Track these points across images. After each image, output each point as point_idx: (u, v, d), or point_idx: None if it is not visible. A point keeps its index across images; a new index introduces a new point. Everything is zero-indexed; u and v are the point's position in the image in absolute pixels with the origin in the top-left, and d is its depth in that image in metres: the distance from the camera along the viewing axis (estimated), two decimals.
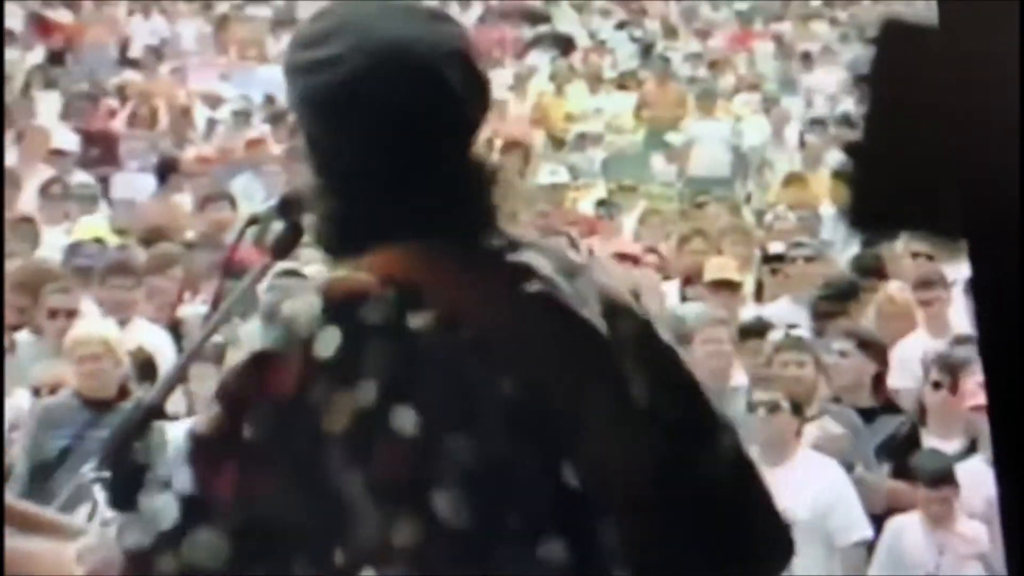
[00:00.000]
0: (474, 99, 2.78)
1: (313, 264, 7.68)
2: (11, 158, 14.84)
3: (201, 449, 2.62)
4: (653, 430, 2.74)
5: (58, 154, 15.30)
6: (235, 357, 2.67)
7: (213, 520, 2.59)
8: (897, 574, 8.24)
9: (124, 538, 2.64)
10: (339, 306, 2.61)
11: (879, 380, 9.33)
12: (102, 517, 3.16)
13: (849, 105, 19.86)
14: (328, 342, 2.58)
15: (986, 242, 1.95)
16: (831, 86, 21.60)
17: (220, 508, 2.59)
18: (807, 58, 23.13)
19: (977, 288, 2.01)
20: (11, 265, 11.18)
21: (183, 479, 2.60)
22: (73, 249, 11.61)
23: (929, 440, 9.02)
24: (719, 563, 2.80)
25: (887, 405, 9.30)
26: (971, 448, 8.83)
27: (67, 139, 16.01)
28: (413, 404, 2.59)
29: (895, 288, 10.79)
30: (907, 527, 8.34)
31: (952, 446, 8.90)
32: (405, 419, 2.57)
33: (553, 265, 2.78)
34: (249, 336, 2.65)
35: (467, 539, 2.57)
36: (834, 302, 10.38)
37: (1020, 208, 1.89)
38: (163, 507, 2.60)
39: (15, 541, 2.81)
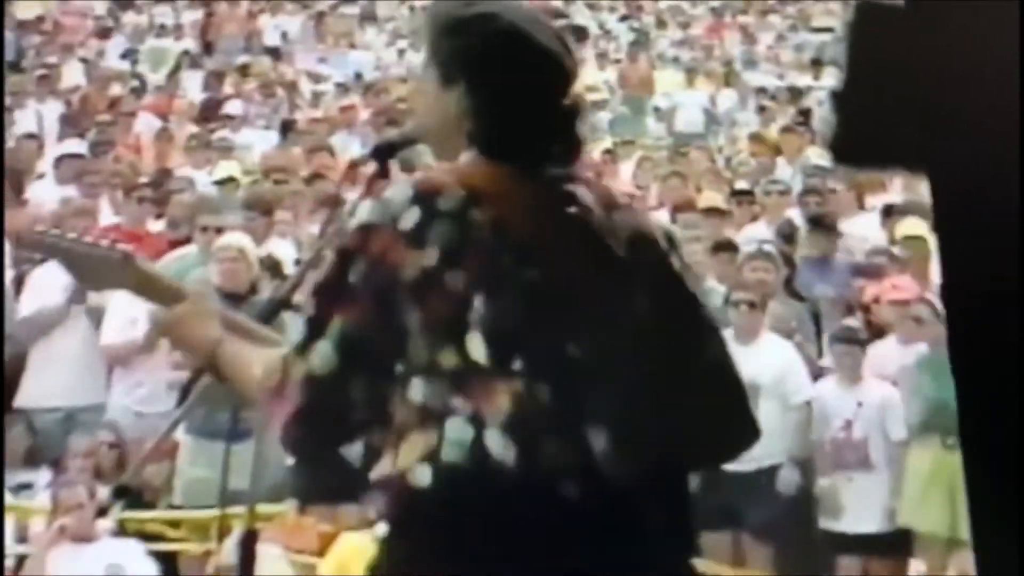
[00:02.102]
0: (571, 58, 2.86)
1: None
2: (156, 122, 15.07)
3: (321, 286, 2.69)
4: (649, 334, 2.72)
5: (204, 117, 15.44)
6: (349, 224, 2.73)
7: (326, 337, 2.65)
8: (822, 422, 8.38)
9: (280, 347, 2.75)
10: (422, 194, 2.68)
11: (789, 280, 9.58)
12: None
13: (796, 79, 19.92)
14: (410, 218, 2.65)
15: (948, 176, 1.93)
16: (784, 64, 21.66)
17: (331, 329, 2.65)
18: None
19: (939, 215, 1.98)
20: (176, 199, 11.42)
21: (309, 306, 2.68)
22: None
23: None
24: (692, 437, 2.76)
25: (796, 297, 9.53)
26: (880, 334, 9.06)
27: (207, 105, 16.16)
28: (462, 271, 2.63)
29: None
30: (827, 386, 8.51)
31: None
32: (455, 280, 2.62)
33: (596, 198, 2.79)
34: (360, 211, 2.71)
35: (483, 373, 2.60)
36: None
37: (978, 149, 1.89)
38: (297, 327, 2.70)
39: (233, 343, 2.92)
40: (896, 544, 8.21)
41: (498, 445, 2.56)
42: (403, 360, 2.64)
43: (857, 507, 8.22)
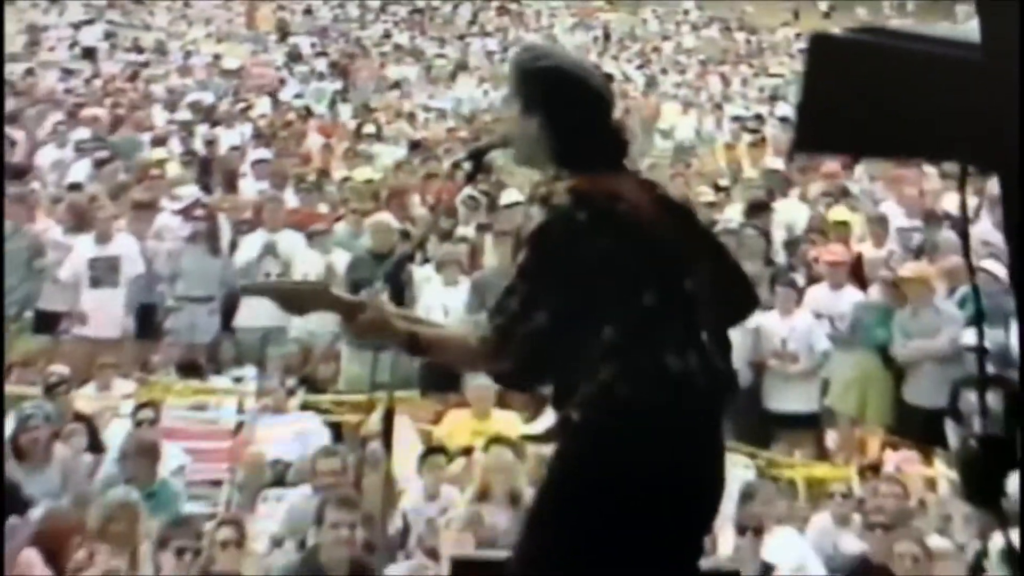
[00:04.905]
0: (609, 88, 2.90)
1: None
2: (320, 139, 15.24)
3: (525, 270, 2.66)
4: (714, 260, 2.84)
5: (355, 137, 15.64)
6: (529, 226, 2.68)
7: (539, 307, 2.63)
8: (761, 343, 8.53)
9: (492, 319, 2.66)
10: (582, 199, 2.67)
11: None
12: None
13: (758, 109, 19.97)
14: (580, 215, 2.65)
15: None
16: (750, 99, 21.73)
17: (541, 300, 2.64)
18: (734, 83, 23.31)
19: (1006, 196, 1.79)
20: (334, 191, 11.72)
21: (522, 288, 2.66)
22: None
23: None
24: (734, 308, 2.89)
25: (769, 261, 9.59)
26: (817, 281, 9.04)
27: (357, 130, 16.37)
28: (629, 248, 2.67)
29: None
30: (771, 317, 8.56)
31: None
32: (627, 254, 2.67)
33: (658, 181, 2.91)
34: (534, 214, 2.68)
35: (653, 315, 2.65)
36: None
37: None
38: (514, 304, 2.65)
39: (423, 327, 2.83)
40: (815, 421, 8.49)
41: (670, 360, 2.63)
42: (596, 312, 2.63)
43: (789, 395, 8.51)
